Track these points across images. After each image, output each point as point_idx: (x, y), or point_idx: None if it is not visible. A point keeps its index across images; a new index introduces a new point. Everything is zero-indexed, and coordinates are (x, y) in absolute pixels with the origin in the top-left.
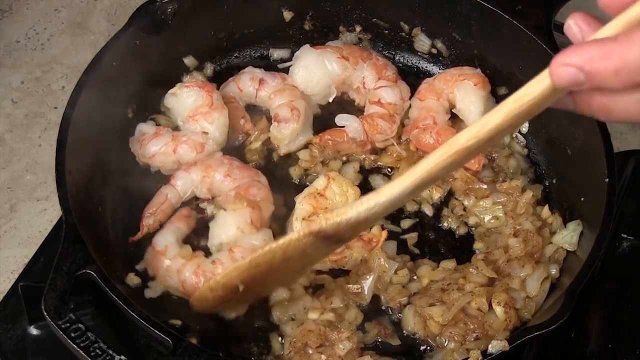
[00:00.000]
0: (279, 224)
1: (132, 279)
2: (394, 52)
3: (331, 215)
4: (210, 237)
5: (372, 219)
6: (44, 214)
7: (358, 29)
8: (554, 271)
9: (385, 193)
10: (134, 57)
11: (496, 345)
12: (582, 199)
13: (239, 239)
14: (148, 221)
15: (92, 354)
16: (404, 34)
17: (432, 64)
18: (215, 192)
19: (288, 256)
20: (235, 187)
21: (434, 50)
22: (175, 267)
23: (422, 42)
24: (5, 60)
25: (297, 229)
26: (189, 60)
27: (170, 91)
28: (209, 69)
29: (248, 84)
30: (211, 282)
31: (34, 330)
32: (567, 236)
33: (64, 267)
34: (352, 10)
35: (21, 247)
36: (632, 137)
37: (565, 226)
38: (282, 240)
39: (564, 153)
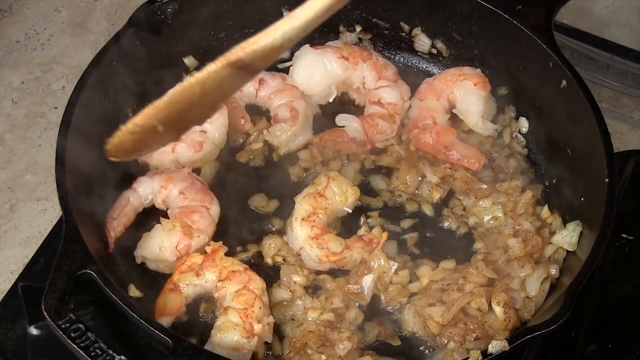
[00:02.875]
0: (281, 222)
1: (134, 291)
2: (394, 52)
3: (247, 43)
4: (138, 246)
5: (286, 45)
6: (44, 214)
7: (358, 28)
8: (553, 271)
9: (300, 17)
10: (134, 57)
11: (496, 345)
12: (582, 199)
13: (160, 259)
14: (113, 225)
15: (92, 354)
16: (404, 34)
17: (432, 64)
18: (169, 205)
19: (207, 90)
20: (183, 206)
21: (434, 50)
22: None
23: (422, 42)
24: (6, 60)
25: (297, 229)
26: (189, 60)
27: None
28: None
29: (248, 84)
30: (129, 126)
31: (34, 330)
32: (567, 236)
33: (64, 267)
34: (352, 10)
35: (21, 247)
36: (632, 137)
37: (565, 226)
38: (199, 74)
39: (564, 153)
